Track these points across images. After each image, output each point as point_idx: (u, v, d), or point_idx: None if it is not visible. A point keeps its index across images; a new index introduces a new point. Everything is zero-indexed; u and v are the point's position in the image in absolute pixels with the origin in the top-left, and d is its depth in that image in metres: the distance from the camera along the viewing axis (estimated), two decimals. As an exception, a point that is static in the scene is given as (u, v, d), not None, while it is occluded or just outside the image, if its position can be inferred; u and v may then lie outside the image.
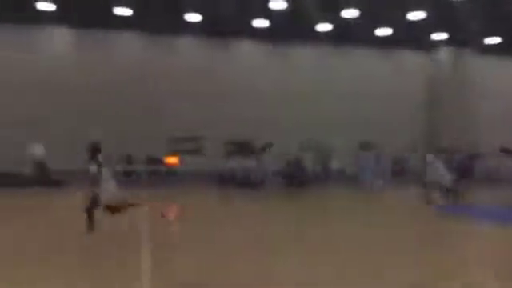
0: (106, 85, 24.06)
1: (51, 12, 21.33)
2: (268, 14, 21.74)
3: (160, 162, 23.90)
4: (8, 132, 21.78)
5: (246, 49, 26.52)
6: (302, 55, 27.30)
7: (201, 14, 21.72)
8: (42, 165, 19.27)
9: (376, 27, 24.24)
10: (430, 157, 14.23)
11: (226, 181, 21.12)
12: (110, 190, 8.79)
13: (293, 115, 26.23)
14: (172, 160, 24.11)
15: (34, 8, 20.68)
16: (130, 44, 24.80)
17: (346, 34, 24.99)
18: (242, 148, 24.72)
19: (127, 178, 22.73)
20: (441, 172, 13.82)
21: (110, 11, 21.25)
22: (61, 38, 24.01)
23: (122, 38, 24.67)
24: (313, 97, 26.68)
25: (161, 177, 23.45)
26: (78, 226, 9.18)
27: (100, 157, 8.87)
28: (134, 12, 21.43)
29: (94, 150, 8.88)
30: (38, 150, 18.66)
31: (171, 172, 23.98)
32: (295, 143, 24.63)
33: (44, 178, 19.06)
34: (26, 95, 23.07)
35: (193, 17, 21.98)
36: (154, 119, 24.46)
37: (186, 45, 25.61)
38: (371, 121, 27.49)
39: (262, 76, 26.47)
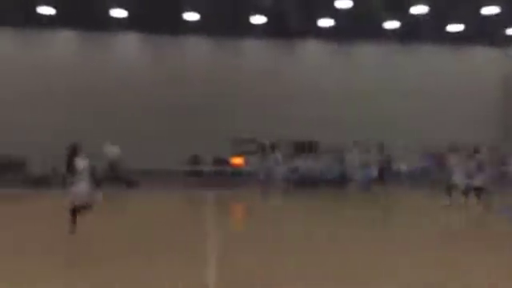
0: (173, 86, 24.82)
1: (123, 18, 22.30)
2: (333, 13, 21.55)
3: (226, 162, 24.33)
4: (85, 133, 23.00)
5: (310, 49, 26.41)
6: (367, 54, 26.81)
7: (266, 15, 21.88)
8: (116, 164, 20.09)
9: (446, 23, 23.37)
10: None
11: (292, 181, 21.11)
12: (81, 191, 8.90)
13: (357, 114, 25.85)
14: (238, 161, 24.48)
15: (109, 17, 21.74)
16: (198, 47, 25.41)
17: (413, 31, 24.29)
18: (305, 148, 24.64)
19: (194, 177, 23.32)
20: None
21: (180, 16, 21.88)
22: (132, 43, 25.04)
23: (190, 42, 25.32)
24: (378, 96, 26.17)
25: (227, 177, 23.85)
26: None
27: (79, 158, 8.95)
28: (201, 16, 21.94)
29: (72, 152, 8.99)
30: (112, 150, 19.44)
31: (237, 172, 24.33)
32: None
33: (118, 178, 19.89)
34: (97, 97, 24.23)
35: (258, 19, 22.18)
36: (221, 120, 24.95)
37: (251, 47, 25.89)
38: (438, 120, 26.54)
39: (327, 76, 26.27)
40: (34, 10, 21.28)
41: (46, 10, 21.21)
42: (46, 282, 5.88)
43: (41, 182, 19.53)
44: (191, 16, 21.67)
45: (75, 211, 8.93)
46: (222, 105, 25.10)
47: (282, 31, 24.62)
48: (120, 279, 6.00)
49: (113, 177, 19.62)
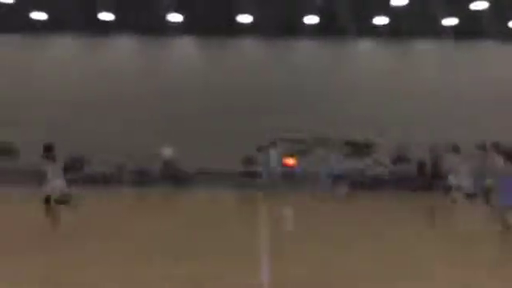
0: (229, 87, 25.18)
1: (179, 22, 22.87)
2: (388, 10, 21.17)
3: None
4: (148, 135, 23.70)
5: (365, 47, 26.03)
6: (424, 51, 26.10)
7: (319, 15, 21.80)
8: (171, 164, 20.61)
9: (509, 19, 22.40)
10: None
11: (354, 181, 20.88)
12: (57, 185, 9.83)
13: (416, 113, 25.20)
14: (290, 161, 24.43)
15: (166, 21, 22.38)
16: (253, 49, 25.64)
17: (473, 27, 23.45)
18: (361, 148, 24.26)
19: (248, 178, 23.47)
20: None
21: (234, 19, 22.21)
22: (188, 46, 25.63)
23: (244, 44, 25.59)
24: (437, 94, 25.39)
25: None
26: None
27: (51, 155, 9.88)
28: (255, 18, 22.16)
29: (47, 150, 9.92)
30: (167, 152, 19.98)
31: (289, 173, 24.27)
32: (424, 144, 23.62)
33: (173, 176, 20.39)
34: (155, 99, 24.95)
35: (311, 19, 22.14)
36: (275, 120, 25.04)
37: (304, 46, 25.84)
38: (494, 119, 25.44)
39: (382, 74, 25.80)
40: (95, 16, 22.22)
41: (106, 16, 22.10)
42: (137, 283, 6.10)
43: (101, 181, 20.35)
44: (245, 18, 21.93)
45: (49, 202, 9.87)
46: (276, 104, 25.20)
47: (335, 30, 24.44)
48: (202, 276, 6.17)
49: (168, 176, 20.13)
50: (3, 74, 25.26)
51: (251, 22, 22.83)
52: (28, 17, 22.15)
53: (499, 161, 12.19)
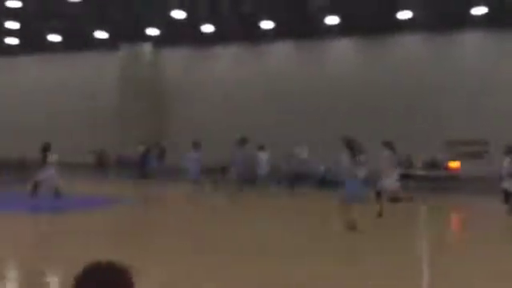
0: (384, 86, 24.58)
1: (336, 25, 23.05)
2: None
3: (439, 166, 22.91)
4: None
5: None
6: None
7: (486, 5, 20.11)
8: (304, 164, 20.59)
9: None
10: None
11: None
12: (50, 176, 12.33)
13: None
14: (454, 164, 22.86)
15: (324, 25, 22.73)
16: (409, 46, 24.69)
17: None
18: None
19: (404, 181, 22.49)
20: None
21: (393, 16, 21.64)
22: (344, 48, 25.73)
23: (401, 41, 24.78)
24: None
25: (439, 182, 22.44)
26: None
27: (49, 154, 12.42)
28: (414, 14, 21.31)
29: (44, 149, 12.41)
30: (302, 151, 20.07)
31: (452, 177, 22.72)
32: None
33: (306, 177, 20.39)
34: (311, 102, 25.42)
35: (479, 10, 20.56)
36: (432, 120, 23.75)
37: (469, 40, 24.03)
38: None
39: None
40: (256, 25, 23.51)
41: (266, 25, 23.29)
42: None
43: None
44: (405, 14, 21.26)
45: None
46: (432, 103, 23.87)
47: (504, 21, 22.25)
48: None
49: (301, 176, 20.11)
50: (179, 79, 28.11)
51: (411, 18, 21.97)
52: (198, 30, 24.34)
53: None
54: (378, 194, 11.81)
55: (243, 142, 18.05)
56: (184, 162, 17.11)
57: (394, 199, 11.92)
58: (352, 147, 10.43)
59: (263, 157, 18.93)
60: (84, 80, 29.64)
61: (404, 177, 22.81)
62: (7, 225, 10.03)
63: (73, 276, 1.69)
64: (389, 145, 13.43)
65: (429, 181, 22.50)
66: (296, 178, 19.23)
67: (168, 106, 28.13)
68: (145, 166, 22.49)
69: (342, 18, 22.15)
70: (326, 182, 18.94)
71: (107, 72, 28.91)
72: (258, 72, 26.78)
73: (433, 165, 23.16)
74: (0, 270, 6.31)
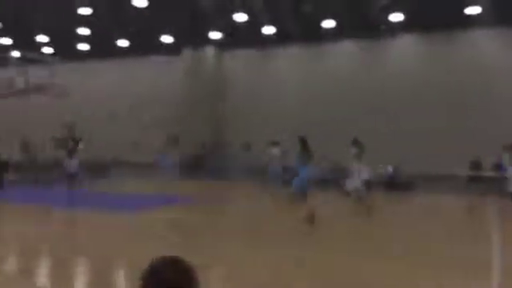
0: (450, 84, 23.75)
1: (399, 22, 22.53)
2: None
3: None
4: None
5: None
6: None
7: None
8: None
9: None
10: None
11: None
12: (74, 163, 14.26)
13: None
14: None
15: (387, 22, 22.29)
16: (478, 41, 23.68)
17: None
18: None
19: (475, 184, 21.62)
20: None
21: (461, 12, 20.88)
22: (407, 45, 25.10)
23: (469, 36, 23.83)
24: None
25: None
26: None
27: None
28: (483, 9, 20.41)
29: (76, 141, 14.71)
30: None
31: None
32: None
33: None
34: (373, 103, 24.96)
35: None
36: (504, 120, 22.64)
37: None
38: None
39: None
40: (318, 25, 23.43)
41: (327, 24, 23.17)
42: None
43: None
44: (474, 10, 20.43)
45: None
46: (502, 103, 22.73)
47: None
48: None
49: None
50: (241, 81, 28.57)
51: (480, 13, 21.06)
52: (260, 32, 24.60)
53: None
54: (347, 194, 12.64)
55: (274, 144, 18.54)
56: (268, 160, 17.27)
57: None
58: (304, 145, 12.23)
59: (276, 153, 18.88)
60: (149, 83, 30.75)
61: (472, 179, 22.01)
62: (104, 224, 10.60)
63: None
64: (356, 143, 13.73)
65: (498, 182, 21.47)
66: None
67: (230, 108, 28.61)
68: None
69: (407, 14, 21.61)
70: (395, 184, 18.52)
71: (171, 76, 29.84)
72: (320, 72, 26.67)
73: (499, 166, 22.09)
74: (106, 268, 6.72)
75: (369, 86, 25.35)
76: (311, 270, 6.49)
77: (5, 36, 26.58)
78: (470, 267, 6.67)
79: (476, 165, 22.50)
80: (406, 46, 25.20)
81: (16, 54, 27.32)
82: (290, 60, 27.73)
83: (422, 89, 24.33)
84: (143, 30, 25.03)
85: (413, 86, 24.55)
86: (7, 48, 27.05)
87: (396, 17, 21.86)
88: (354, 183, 12.79)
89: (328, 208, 12.98)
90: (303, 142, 12.49)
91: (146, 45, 28.29)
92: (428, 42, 24.72)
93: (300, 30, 24.21)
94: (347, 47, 26.41)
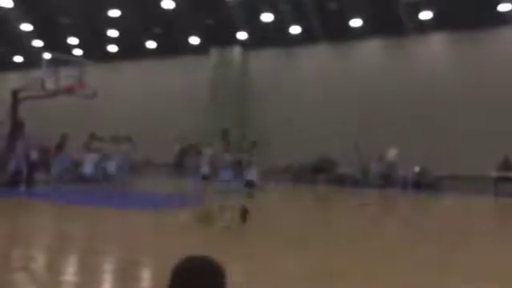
0: (481, 83, 23.17)
1: (428, 20, 22.15)
2: None
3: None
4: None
5: None
6: None
7: None
8: (393, 167, 19.83)
9: None
10: None
11: None
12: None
13: None
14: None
15: (416, 20, 21.93)
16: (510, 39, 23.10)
17: None
18: None
19: (505, 184, 21.00)
20: None
21: (494, 9, 20.39)
22: (436, 43, 24.61)
23: (500, 35, 23.22)
24: None
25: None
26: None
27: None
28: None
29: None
30: (391, 155, 19.38)
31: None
32: None
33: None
34: (401, 101, 24.58)
35: None
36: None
37: None
38: None
39: None
40: (344, 24, 23.24)
41: (354, 23, 22.95)
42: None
43: (347, 181, 21.05)
44: (507, 7, 19.94)
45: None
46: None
47: None
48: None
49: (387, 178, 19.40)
50: (266, 80, 28.55)
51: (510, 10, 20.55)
52: (286, 31, 24.56)
53: None
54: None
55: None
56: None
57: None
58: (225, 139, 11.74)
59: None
60: (177, 84, 31.02)
61: (501, 179, 21.35)
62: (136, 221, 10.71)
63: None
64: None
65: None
66: (385, 181, 18.81)
67: (257, 107, 28.62)
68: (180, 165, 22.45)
69: (436, 12, 21.21)
70: (420, 185, 18.19)
71: (199, 76, 30.03)
72: (346, 71, 26.42)
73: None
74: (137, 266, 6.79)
75: (396, 85, 24.96)
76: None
77: (37, 38, 27.30)
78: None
79: (505, 165, 21.89)
80: (436, 45, 24.71)
81: (47, 55, 27.97)
82: (316, 59, 27.54)
83: (451, 89, 23.76)
84: (171, 32, 25.30)
85: (441, 85, 24.03)
86: (39, 50, 27.74)
87: (425, 15, 21.50)
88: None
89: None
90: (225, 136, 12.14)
91: (173, 46, 28.59)
92: (458, 41, 24.13)
93: (326, 29, 24.06)
94: (374, 46, 26.07)
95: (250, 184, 9.95)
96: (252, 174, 10.00)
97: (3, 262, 6.42)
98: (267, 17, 21.99)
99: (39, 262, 6.61)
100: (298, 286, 5.60)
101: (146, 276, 6.33)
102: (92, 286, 5.51)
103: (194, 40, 27.06)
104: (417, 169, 19.00)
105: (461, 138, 22.94)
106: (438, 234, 9.37)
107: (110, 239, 8.32)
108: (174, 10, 21.29)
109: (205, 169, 11.38)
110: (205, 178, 11.49)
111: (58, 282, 5.54)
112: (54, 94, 17.78)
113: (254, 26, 24.00)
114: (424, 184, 18.01)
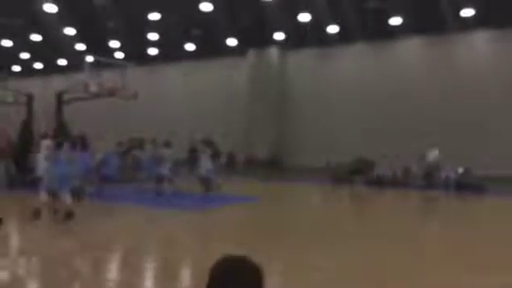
0: None
1: (469, 17, 21.50)
2: None
3: None
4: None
5: None
6: None
7: None
8: (434, 168, 19.18)
9: None
10: None
11: None
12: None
13: None
14: None
15: (457, 17, 21.32)
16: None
17: None
18: None
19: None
20: None
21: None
22: (482, 41, 23.90)
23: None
24: None
25: None
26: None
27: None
28: None
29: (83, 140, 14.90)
30: (432, 155, 18.85)
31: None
32: None
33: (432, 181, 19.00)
34: (446, 99, 23.96)
35: None
36: None
37: None
38: None
39: None
40: (384, 22, 22.85)
41: (394, 21, 22.53)
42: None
43: (385, 183, 20.54)
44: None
45: None
46: None
47: None
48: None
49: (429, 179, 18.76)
50: (303, 80, 28.47)
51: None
52: (323, 31, 24.38)
53: None
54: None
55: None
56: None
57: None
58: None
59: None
60: (216, 86, 31.35)
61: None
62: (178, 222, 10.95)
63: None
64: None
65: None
66: (427, 182, 18.37)
67: (294, 108, 28.59)
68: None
69: (478, 9, 20.55)
70: (464, 186, 17.62)
71: (237, 77, 30.26)
72: (385, 70, 26.02)
73: None
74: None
75: (437, 84, 24.36)
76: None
77: (80, 42, 28.16)
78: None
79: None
80: (478, 43, 23.96)
81: (90, 58, 28.84)
82: (354, 58, 27.26)
83: (494, 88, 22.99)
84: (209, 34, 25.56)
85: (484, 84, 23.29)
86: (82, 53, 28.61)
87: (467, 12, 20.87)
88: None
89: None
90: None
91: (212, 47, 28.87)
92: (501, 39, 23.31)
93: (365, 28, 23.74)
94: (413, 45, 25.53)
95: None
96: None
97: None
98: (304, 17, 21.88)
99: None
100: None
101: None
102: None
103: (232, 41, 27.25)
104: (461, 169, 18.40)
105: (505, 139, 22.19)
106: (497, 235, 9.15)
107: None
108: (212, 12, 21.49)
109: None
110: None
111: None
112: (97, 95, 18.30)
113: (291, 27, 23.95)
114: (468, 185, 17.40)
